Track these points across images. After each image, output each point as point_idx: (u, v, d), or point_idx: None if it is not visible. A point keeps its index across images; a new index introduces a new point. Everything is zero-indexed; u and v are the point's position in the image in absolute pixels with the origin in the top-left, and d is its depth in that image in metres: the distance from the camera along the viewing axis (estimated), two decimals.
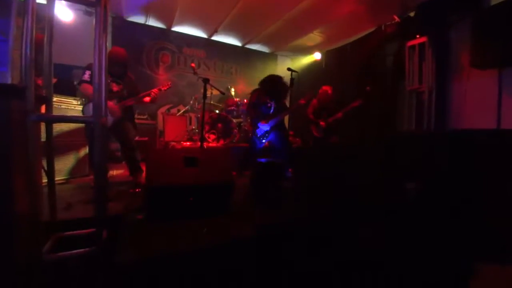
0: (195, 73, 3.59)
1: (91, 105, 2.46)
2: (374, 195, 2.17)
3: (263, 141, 3.32)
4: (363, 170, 2.49)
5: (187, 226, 1.72)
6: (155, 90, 2.82)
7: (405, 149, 2.21)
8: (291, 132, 4.81)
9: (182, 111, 5.22)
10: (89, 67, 2.53)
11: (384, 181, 2.23)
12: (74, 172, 2.95)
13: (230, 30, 5.50)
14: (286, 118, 3.84)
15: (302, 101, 3.28)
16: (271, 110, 3.29)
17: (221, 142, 4.56)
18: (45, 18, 1.38)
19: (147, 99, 2.81)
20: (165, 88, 3.00)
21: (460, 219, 1.67)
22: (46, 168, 1.42)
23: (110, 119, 2.51)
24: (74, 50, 4.01)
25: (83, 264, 1.32)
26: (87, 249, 1.29)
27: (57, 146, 2.63)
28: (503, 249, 1.49)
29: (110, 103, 2.52)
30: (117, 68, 2.68)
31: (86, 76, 2.48)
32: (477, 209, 1.65)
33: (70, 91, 3.26)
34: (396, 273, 1.53)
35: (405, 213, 1.89)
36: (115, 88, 2.69)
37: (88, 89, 2.43)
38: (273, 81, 3.25)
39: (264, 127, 3.25)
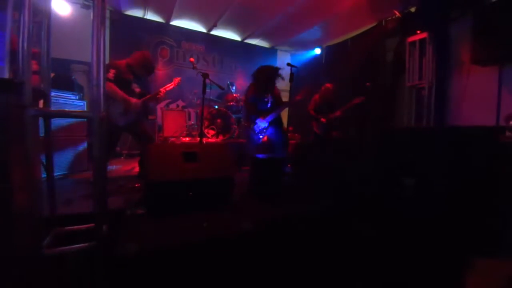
0: (194, 68, 3.56)
1: (114, 104, 2.48)
2: (373, 190, 2.18)
3: (261, 136, 3.31)
4: (362, 165, 2.49)
5: (188, 221, 1.73)
6: (166, 87, 2.87)
7: (404, 144, 2.21)
8: (290, 128, 4.81)
9: (181, 106, 5.21)
10: (113, 65, 2.51)
11: (382, 176, 2.23)
12: (73, 167, 2.95)
13: (229, 24, 5.45)
14: (286, 114, 3.83)
15: (298, 97, 3.26)
16: (269, 105, 3.28)
17: (220, 137, 4.55)
18: (42, 12, 1.36)
19: (161, 94, 2.84)
20: (176, 84, 3.01)
21: (457, 214, 1.68)
22: (45, 163, 1.42)
23: (130, 117, 2.57)
24: (71, 44, 3.97)
25: (83, 259, 1.33)
26: (87, 243, 1.30)
27: (56, 141, 2.62)
28: (499, 243, 1.51)
29: (134, 101, 2.56)
30: (144, 71, 2.70)
31: (111, 74, 2.44)
32: (474, 203, 1.66)
33: (68, 86, 3.24)
34: (392, 267, 1.55)
35: (402, 208, 1.90)
36: (137, 89, 2.70)
37: (113, 87, 2.43)
38: (265, 72, 3.21)
39: (262, 123, 3.24)
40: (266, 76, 3.17)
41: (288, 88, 3.33)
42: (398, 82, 4.32)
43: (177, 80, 3.03)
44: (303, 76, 5.50)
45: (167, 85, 2.90)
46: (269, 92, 3.25)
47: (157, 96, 2.80)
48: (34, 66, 1.61)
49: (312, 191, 2.55)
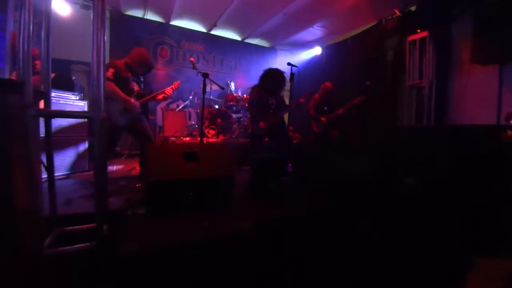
0: (194, 67, 3.56)
1: (114, 103, 2.48)
2: (374, 190, 2.18)
3: (264, 138, 3.32)
4: (362, 164, 2.49)
5: (188, 220, 1.73)
6: (168, 89, 2.87)
7: (405, 144, 2.21)
8: (290, 128, 4.80)
9: (181, 106, 5.21)
10: (112, 64, 2.51)
11: (383, 175, 2.23)
12: (74, 168, 2.95)
13: (229, 24, 5.44)
14: (286, 114, 3.83)
15: (302, 100, 3.26)
16: (272, 107, 3.28)
17: (221, 137, 4.56)
18: (42, 12, 1.36)
19: (160, 96, 2.85)
20: (176, 87, 3.04)
21: (459, 213, 1.68)
22: (45, 163, 1.42)
23: (130, 116, 2.57)
24: (71, 44, 3.98)
25: (83, 259, 1.33)
26: (87, 244, 1.30)
27: (56, 141, 2.63)
28: (500, 243, 1.51)
29: (133, 100, 2.56)
30: (143, 69, 2.71)
31: (110, 73, 2.44)
32: (476, 203, 1.66)
33: (68, 86, 3.25)
34: (393, 266, 1.55)
35: (403, 207, 1.90)
36: (136, 87, 2.69)
37: (113, 87, 2.44)
38: (272, 76, 3.21)
39: (264, 125, 3.24)
40: (273, 83, 3.17)
41: (289, 88, 3.33)
42: (399, 81, 4.31)
43: (177, 83, 3.04)
44: (303, 75, 5.50)
45: (167, 89, 2.89)
46: (273, 95, 3.25)
47: (156, 98, 2.81)
48: (38, 66, 1.61)
49: (312, 191, 2.55)
